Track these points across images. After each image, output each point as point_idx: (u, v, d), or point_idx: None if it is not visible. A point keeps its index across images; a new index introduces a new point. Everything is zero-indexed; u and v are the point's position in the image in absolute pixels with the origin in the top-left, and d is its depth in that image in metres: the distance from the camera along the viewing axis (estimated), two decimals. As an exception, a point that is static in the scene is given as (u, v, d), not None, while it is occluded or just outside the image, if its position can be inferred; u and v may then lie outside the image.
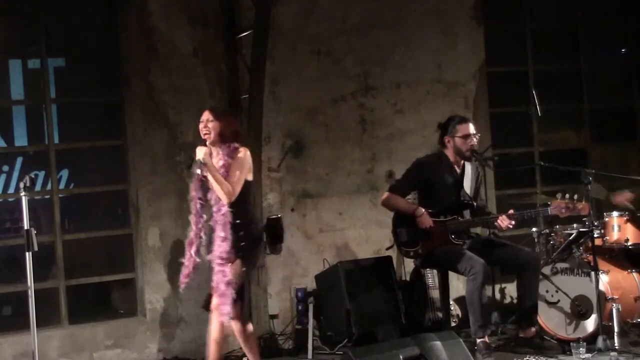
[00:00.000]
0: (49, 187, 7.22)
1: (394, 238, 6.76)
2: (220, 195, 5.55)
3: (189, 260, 5.70)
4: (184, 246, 5.80)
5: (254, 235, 5.76)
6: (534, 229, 7.35)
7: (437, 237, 6.51)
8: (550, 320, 6.81)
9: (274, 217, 7.44)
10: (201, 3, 7.35)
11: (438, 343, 5.96)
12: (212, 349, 5.73)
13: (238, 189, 5.62)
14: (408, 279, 7.49)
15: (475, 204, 6.67)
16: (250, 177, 5.76)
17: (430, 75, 8.03)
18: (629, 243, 6.94)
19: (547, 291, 6.82)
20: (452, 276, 6.95)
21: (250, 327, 5.85)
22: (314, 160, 7.70)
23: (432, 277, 7.24)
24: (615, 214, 7.07)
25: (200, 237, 5.72)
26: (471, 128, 6.62)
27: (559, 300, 6.79)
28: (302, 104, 7.65)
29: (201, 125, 5.72)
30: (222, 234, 5.55)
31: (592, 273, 6.49)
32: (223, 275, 5.53)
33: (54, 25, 7.17)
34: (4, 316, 7.35)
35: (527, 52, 8.60)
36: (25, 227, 5.24)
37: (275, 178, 7.57)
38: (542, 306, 6.76)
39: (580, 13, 8.80)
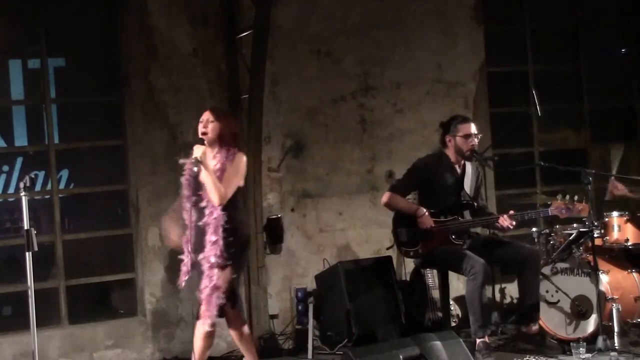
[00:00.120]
0: (49, 187, 7.22)
1: (394, 238, 6.75)
2: (213, 196, 5.52)
3: (187, 257, 5.68)
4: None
5: (242, 241, 5.70)
6: (534, 229, 7.35)
7: (438, 237, 6.51)
8: (550, 320, 6.81)
9: (274, 217, 7.47)
10: (201, 3, 7.35)
11: (438, 343, 5.96)
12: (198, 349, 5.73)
13: (231, 192, 5.59)
14: (408, 279, 7.49)
15: (475, 204, 6.67)
16: (242, 183, 5.73)
17: (430, 75, 8.04)
18: (629, 243, 6.94)
19: (547, 291, 6.81)
20: (452, 276, 6.95)
21: (246, 329, 5.83)
22: (314, 160, 7.70)
23: (432, 277, 7.24)
24: (615, 214, 7.07)
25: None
26: (473, 128, 6.62)
27: (559, 300, 6.79)
28: (302, 104, 7.66)
29: (200, 125, 5.70)
30: (214, 238, 5.51)
31: (592, 273, 6.49)
32: (210, 280, 5.50)
33: (54, 25, 7.17)
34: (4, 316, 7.34)
35: (527, 52, 8.60)
36: (25, 227, 5.23)
37: (275, 178, 7.57)
38: (542, 306, 6.74)
39: (580, 13, 8.81)
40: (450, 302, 7.08)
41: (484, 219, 6.61)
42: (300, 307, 7.26)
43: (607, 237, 7.04)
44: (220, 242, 5.50)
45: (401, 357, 5.82)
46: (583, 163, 8.33)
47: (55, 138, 7.19)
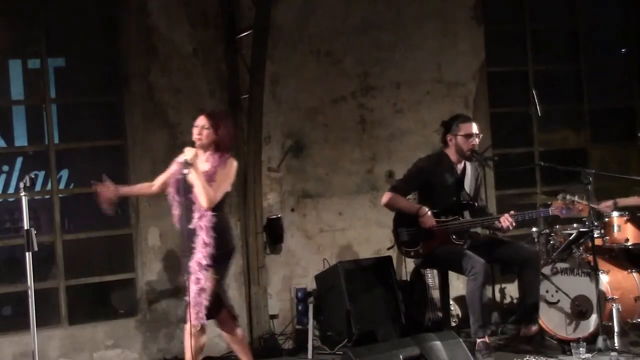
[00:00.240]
0: (49, 187, 7.21)
1: (395, 238, 6.75)
2: (202, 199, 5.52)
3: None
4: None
5: (228, 245, 5.71)
6: (534, 229, 7.35)
7: (438, 237, 6.51)
8: (550, 320, 6.81)
9: (274, 217, 7.47)
10: (201, 3, 7.35)
11: (438, 343, 5.96)
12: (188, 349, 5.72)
13: (219, 196, 5.60)
14: (408, 279, 7.49)
15: (476, 204, 6.68)
16: (229, 189, 5.74)
17: (430, 75, 8.04)
18: (629, 243, 6.94)
19: (547, 291, 6.81)
20: (452, 276, 6.95)
21: (239, 331, 5.84)
22: (314, 160, 7.70)
23: (432, 277, 7.24)
24: (615, 214, 7.07)
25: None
26: (474, 128, 6.61)
27: (559, 300, 6.79)
28: (302, 104, 7.66)
29: (195, 130, 5.69)
30: (206, 240, 5.52)
31: (592, 273, 6.49)
32: (197, 281, 5.50)
33: (54, 25, 7.17)
34: (4, 316, 7.34)
35: (527, 52, 8.60)
36: (25, 227, 5.23)
37: (275, 178, 7.57)
38: (542, 306, 6.75)
39: (580, 13, 8.80)
40: (450, 302, 7.07)
41: (485, 218, 6.61)
42: (300, 307, 7.26)
43: (607, 237, 7.03)
44: (209, 244, 5.51)
45: (401, 357, 5.82)
46: (583, 163, 8.32)
47: (55, 138, 7.19)
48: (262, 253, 7.41)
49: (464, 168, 6.70)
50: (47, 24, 7.11)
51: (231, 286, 7.37)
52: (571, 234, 6.93)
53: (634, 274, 6.90)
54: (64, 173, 7.53)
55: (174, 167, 5.79)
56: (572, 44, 8.85)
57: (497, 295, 7.73)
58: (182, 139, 7.18)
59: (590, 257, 6.55)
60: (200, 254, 5.52)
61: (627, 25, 9.05)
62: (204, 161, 5.66)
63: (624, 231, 7.00)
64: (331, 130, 7.75)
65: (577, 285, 6.73)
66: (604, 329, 6.33)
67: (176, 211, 5.74)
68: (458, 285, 7.43)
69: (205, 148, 5.67)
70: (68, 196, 7.45)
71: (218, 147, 5.68)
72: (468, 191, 6.68)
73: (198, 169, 5.55)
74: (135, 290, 7.29)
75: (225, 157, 5.68)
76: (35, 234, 5.25)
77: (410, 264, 7.38)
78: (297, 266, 7.60)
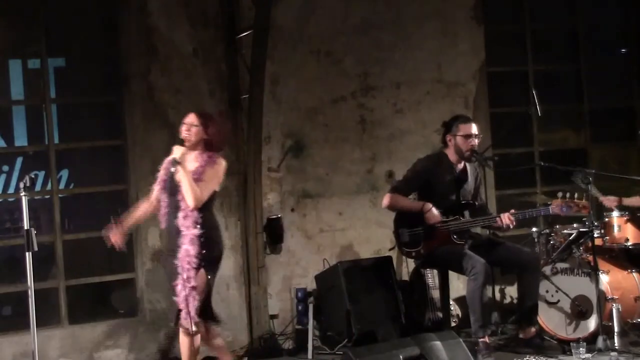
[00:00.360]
0: (49, 187, 7.22)
1: (396, 238, 6.75)
2: (188, 198, 5.51)
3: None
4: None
5: (215, 243, 5.70)
6: (534, 229, 7.36)
7: (439, 237, 6.51)
8: (550, 320, 6.81)
9: (274, 217, 7.47)
10: (201, 3, 7.35)
11: (438, 343, 5.96)
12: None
13: (206, 195, 5.58)
14: (408, 279, 7.49)
15: (477, 203, 6.68)
16: (218, 189, 5.73)
17: (430, 75, 8.04)
18: (629, 243, 6.94)
19: (547, 291, 6.82)
20: (452, 276, 6.95)
21: (217, 330, 5.80)
22: (314, 160, 7.70)
23: (432, 277, 7.24)
24: (615, 214, 7.07)
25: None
26: (473, 128, 6.61)
27: (559, 300, 6.79)
28: (302, 104, 7.66)
29: (183, 128, 5.68)
30: (191, 239, 5.51)
31: (592, 273, 6.49)
32: (188, 281, 5.49)
33: (54, 25, 7.17)
34: (4, 316, 7.34)
35: (527, 52, 8.60)
36: (25, 227, 5.23)
37: (275, 178, 7.57)
38: (542, 306, 6.76)
39: (580, 13, 8.80)
40: (450, 302, 7.07)
41: (486, 218, 6.61)
42: (300, 307, 7.26)
43: (607, 237, 7.04)
44: (197, 243, 5.50)
45: (401, 357, 5.82)
46: (583, 163, 8.32)
47: (55, 138, 7.19)
48: (262, 253, 7.41)
49: (464, 168, 6.70)
50: (47, 24, 7.11)
51: (231, 286, 7.40)
52: (571, 234, 6.93)
53: (634, 274, 6.90)
54: (64, 173, 7.53)
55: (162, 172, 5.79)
56: (572, 44, 8.84)
57: (497, 295, 7.72)
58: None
59: (590, 257, 6.55)
60: (187, 253, 5.50)
61: (627, 25, 9.05)
62: (193, 160, 5.64)
63: (624, 231, 7.01)
64: (331, 130, 7.75)
65: (577, 285, 6.73)
66: (604, 329, 6.34)
67: (163, 210, 5.74)
68: (458, 285, 7.43)
69: (194, 147, 5.66)
70: (68, 196, 7.46)
71: (207, 146, 5.68)
72: (468, 191, 6.69)
73: (186, 168, 5.54)
74: (135, 290, 7.29)
75: (214, 157, 5.67)
76: (35, 234, 5.25)
77: (410, 264, 7.38)
78: (297, 266, 7.60)
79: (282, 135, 7.59)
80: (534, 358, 6.27)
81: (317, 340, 7.12)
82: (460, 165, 6.69)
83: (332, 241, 7.71)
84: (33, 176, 7.30)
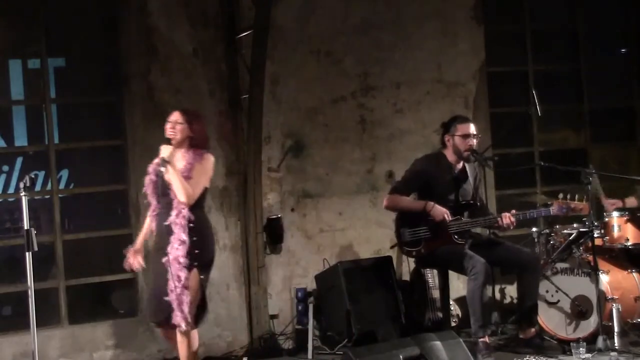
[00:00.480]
0: (49, 187, 7.22)
1: (397, 238, 6.75)
2: (180, 196, 5.51)
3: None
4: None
5: (208, 242, 5.70)
6: (534, 229, 7.36)
7: (440, 237, 6.51)
8: (550, 320, 6.81)
9: (274, 217, 7.47)
10: (201, 3, 7.35)
11: (438, 343, 5.96)
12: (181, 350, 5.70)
13: (198, 192, 5.59)
14: (408, 279, 7.49)
15: (477, 203, 6.69)
16: (208, 185, 5.73)
17: (430, 75, 8.04)
18: (629, 243, 6.94)
19: (547, 291, 6.81)
20: (452, 276, 6.95)
21: (195, 333, 5.70)
22: (314, 160, 7.70)
23: (432, 277, 7.24)
24: (615, 214, 7.07)
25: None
26: (471, 128, 6.62)
27: (559, 300, 6.79)
28: (302, 104, 7.66)
29: (168, 126, 5.68)
30: (182, 237, 5.50)
31: (592, 273, 6.49)
32: (179, 279, 5.48)
33: (54, 25, 7.17)
34: (4, 316, 7.34)
35: (527, 52, 8.60)
36: (25, 227, 5.23)
37: (275, 178, 7.57)
38: (542, 306, 6.76)
39: (580, 13, 8.80)
40: (450, 302, 7.08)
41: (487, 218, 6.61)
42: (300, 307, 7.26)
43: (607, 237, 7.04)
44: (188, 242, 5.50)
45: (401, 357, 5.82)
46: (583, 163, 8.31)
47: (55, 138, 7.19)
48: (262, 253, 7.41)
49: (463, 168, 6.71)
50: (47, 24, 7.11)
51: (231, 286, 7.40)
52: (571, 234, 6.93)
53: (634, 274, 6.90)
54: (64, 173, 7.53)
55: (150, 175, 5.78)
56: (572, 44, 8.84)
57: (497, 295, 7.72)
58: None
59: (590, 257, 6.55)
60: (179, 252, 5.49)
61: (627, 25, 9.05)
62: (180, 159, 5.64)
63: (624, 231, 7.00)
64: (331, 130, 7.75)
65: (577, 285, 6.73)
66: (604, 329, 6.33)
67: (153, 213, 5.74)
68: (458, 285, 7.42)
69: (180, 144, 5.66)
70: (68, 196, 7.45)
71: (192, 143, 5.67)
72: (467, 191, 6.69)
73: (175, 166, 5.55)
74: (135, 291, 7.29)
75: (201, 153, 5.67)
76: (35, 234, 5.25)
77: (410, 264, 7.38)
78: (297, 266, 7.60)
79: (282, 135, 7.59)
80: (534, 358, 6.27)
81: (317, 340, 7.12)
82: (459, 166, 6.70)
83: (332, 241, 7.71)
84: (33, 176, 7.30)
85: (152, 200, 5.75)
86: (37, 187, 7.39)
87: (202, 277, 5.60)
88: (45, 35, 7.10)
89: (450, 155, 6.64)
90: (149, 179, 5.76)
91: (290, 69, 7.59)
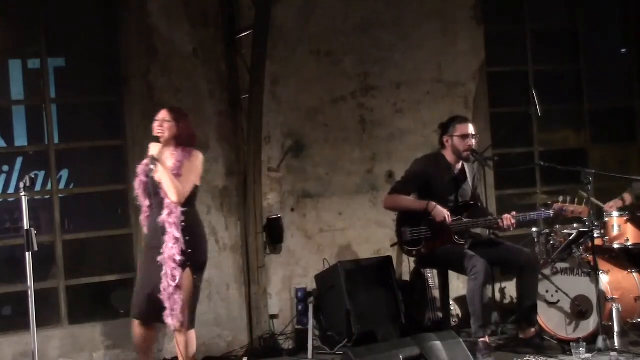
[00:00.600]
0: (49, 187, 7.21)
1: (398, 237, 6.75)
2: (171, 194, 5.50)
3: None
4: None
5: (200, 240, 5.69)
6: (534, 229, 7.36)
7: (441, 237, 6.51)
8: (550, 320, 6.81)
9: (274, 217, 7.47)
10: (201, 3, 7.34)
11: (438, 343, 5.96)
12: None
13: (188, 190, 5.58)
14: (408, 279, 7.49)
15: (479, 204, 6.69)
16: (198, 182, 5.72)
17: (430, 75, 8.04)
18: (629, 243, 6.94)
19: (547, 291, 6.82)
20: (452, 276, 6.95)
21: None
22: (314, 160, 7.70)
23: (432, 277, 7.24)
24: (615, 214, 7.08)
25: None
26: (470, 128, 6.62)
27: (559, 300, 6.79)
28: (302, 104, 7.65)
29: (156, 124, 5.68)
30: (176, 236, 5.49)
31: (592, 273, 6.49)
32: (173, 279, 5.47)
33: (54, 25, 7.16)
34: (4, 316, 7.33)
35: (527, 52, 8.60)
36: (25, 227, 5.23)
37: (275, 178, 7.57)
38: (542, 306, 6.76)
39: (580, 13, 8.80)
40: (450, 302, 7.08)
41: (489, 219, 6.61)
42: (300, 307, 7.26)
43: (607, 237, 7.04)
44: (182, 241, 5.49)
45: (401, 357, 5.82)
46: (583, 163, 8.32)
47: (55, 138, 7.19)
48: (262, 253, 7.41)
49: (462, 168, 6.71)
50: (47, 24, 7.10)
51: (231, 286, 7.40)
52: (571, 234, 6.94)
53: (634, 274, 6.90)
54: (64, 173, 7.52)
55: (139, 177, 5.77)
56: (572, 44, 8.84)
57: (497, 295, 7.72)
58: (182, 139, 7.19)
59: (590, 257, 6.55)
60: (174, 250, 5.48)
61: (627, 25, 9.05)
62: (169, 157, 5.64)
63: (624, 231, 7.01)
64: (331, 130, 7.75)
65: (577, 285, 6.73)
66: (604, 329, 6.34)
67: (145, 214, 5.73)
68: (458, 285, 7.43)
69: (167, 143, 5.66)
70: (68, 196, 7.45)
71: (180, 141, 5.67)
72: (467, 191, 6.69)
73: (165, 164, 5.55)
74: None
75: (189, 151, 5.67)
76: (35, 234, 5.25)
77: (410, 264, 7.38)
78: (297, 266, 7.60)
79: (282, 135, 7.59)
80: (534, 358, 6.27)
81: (317, 340, 7.12)
82: (459, 166, 6.70)
83: (332, 241, 7.71)
84: (33, 176, 7.29)
85: (144, 202, 5.74)
86: (37, 187, 7.39)
87: (195, 277, 5.60)
88: (45, 35, 7.09)
89: (449, 155, 6.65)
90: (139, 181, 5.76)
91: (290, 69, 7.59)
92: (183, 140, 5.69)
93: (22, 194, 5.25)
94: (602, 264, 6.78)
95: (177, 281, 5.47)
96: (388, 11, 7.89)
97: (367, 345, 6.29)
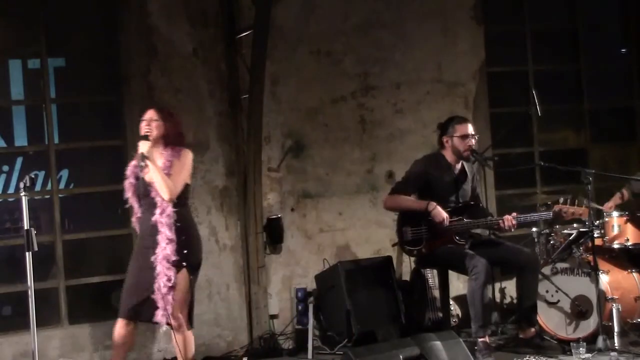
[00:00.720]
0: (49, 187, 7.21)
1: (399, 237, 6.75)
2: (162, 192, 5.49)
3: None
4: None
5: (194, 240, 5.68)
6: (534, 229, 7.36)
7: (442, 237, 6.51)
8: (550, 320, 6.81)
9: (274, 217, 7.47)
10: (201, 3, 7.35)
11: (438, 343, 5.96)
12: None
13: (179, 187, 5.56)
14: (408, 279, 7.49)
15: (480, 204, 6.70)
16: (189, 181, 5.71)
17: (430, 75, 8.04)
18: (629, 243, 6.94)
19: (547, 291, 6.82)
20: (452, 276, 6.95)
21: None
22: (314, 160, 7.70)
23: (432, 277, 7.24)
24: (615, 214, 7.08)
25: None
26: (470, 128, 6.62)
27: (559, 300, 6.79)
28: (302, 104, 7.66)
29: (143, 124, 5.66)
30: (169, 236, 5.48)
31: (592, 273, 6.49)
32: (167, 279, 5.45)
33: (54, 25, 7.16)
34: (4, 316, 7.34)
35: (527, 52, 8.60)
36: (25, 227, 5.23)
37: (275, 178, 7.57)
38: (542, 306, 6.76)
39: (580, 13, 8.80)
40: (450, 302, 7.08)
41: (490, 219, 6.61)
42: (300, 307, 7.26)
43: (607, 237, 7.04)
44: (175, 241, 5.47)
45: (401, 357, 5.82)
46: (583, 163, 8.32)
47: (55, 138, 7.19)
48: (262, 253, 7.41)
49: (462, 168, 6.72)
50: (47, 24, 7.10)
51: (231, 286, 7.40)
52: (571, 234, 6.94)
53: (634, 274, 6.90)
54: (64, 173, 7.53)
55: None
56: (572, 44, 8.84)
57: (497, 295, 7.72)
58: (182, 139, 7.19)
59: (590, 257, 6.55)
60: (168, 250, 5.47)
61: (627, 25, 9.05)
62: (159, 157, 5.62)
63: (624, 231, 7.01)
64: (331, 130, 7.75)
65: (577, 285, 6.73)
66: (604, 329, 6.34)
67: (137, 215, 5.72)
68: (458, 285, 7.43)
69: (156, 142, 5.64)
70: (68, 196, 7.45)
71: (168, 141, 5.65)
72: (467, 191, 6.69)
73: (155, 162, 5.53)
74: (135, 290, 7.28)
75: (179, 150, 5.65)
76: (35, 234, 5.24)
77: (410, 264, 7.38)
78: (297, 266, 7.60)
79: (282, 135, 7.59)
80: (534, 358, 6.27)
81: (317, 340, 7.12)
82: (458, 166, 6.71)
83: (332, 241, 7.71)
84: (33, 176, 7.30)
85: (135, 204, 5.73)
86: (37, 187, 7.39)
87: (191, 277, 5.59)
88: (45, 35, 7.09)
89: (449, 155, 6.65)
90: (128, 183, 5.73)
91: (290, 69, 7.59)
92: (171, 139, 5.66)
93: (22, 194, 5.24)
94: (602, 264, 6.78)
95: (171, 281, 5.45)
96: (388, 11, 7.89)
97: (367, 345, 6.29)
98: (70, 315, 7.08)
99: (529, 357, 6.29)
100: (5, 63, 7.35)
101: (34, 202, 7.27)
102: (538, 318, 6.72)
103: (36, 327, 5.28)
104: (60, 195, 7.20)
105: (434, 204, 6.46)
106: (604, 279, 6.71)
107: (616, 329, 6.39)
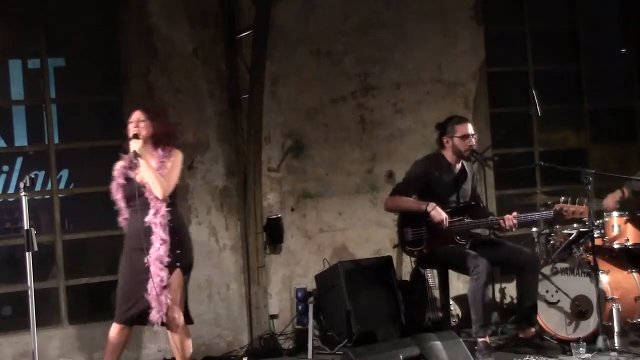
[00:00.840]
0: (49, 187, 7.22)
1: (399, 237, 6.75)
2: (156, 190, 5.47)
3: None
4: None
5: (186, 240, 5.67)
6: (534, 229, 7.37)
7: (443, 237, 6.51)
8: (550, 320, 6.81)
9: (274, 217, 7.47)
10: (201, 3, 7.35)
11: (438, 343, 5.96)
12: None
13: (172, 186, 5.56)
14: (408, 279, 7.49)
15: (480, 204, 6.69)
16: (178, 180, 5.68)
17: (430, 75, 8.04)
18: (629, 243, 6.94)
19: (547, 291, 6.82)
20: (452, 276, 6.95)
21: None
22: (314, 160, 7.70)
23: (432, 277, 7.24)
24: (615, 214, 7.07)
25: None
26: (470, 128, 6.62)
27: (559, 300, 6.79)
28: (302, 104, 7.66)
29: (131, 125, 5.64)
30: (163, 237, 5.46)
31: (592, 273, 6.49)
32: (161, 280, 5.44)
33: (54, 25, 7.17)
34: (4, 316, 7.34)
35: (527, 52, 8.60)
36: (25, 227, 5.23)
37: (275, 178, 7.57)
38: (542, 306, 6.76)
39: (580, 13, 8.80)
40: (450, 302, 7.08)
41: (490, 219, 6.61)
42: (300, 307, 7.26)
43: (607, 237, 7.04)
44: (168, 241, 5.47)
45: (401, 357, 5.82)
46: (583, 163, 8.32)
47: (55, 138, 7.19)
48: (262, 253, 7.41)
49: (462, 168, 6.71)
50: (47, 24, 7.10)
51: (231, 286, 7.40)
52: (571, 234, 6.94)
53: (634, 274, 6.90)
54: (64, 173, 7.53)
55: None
56: (572, 44, 8.84)
57: (497, 295, 7.72)
58: (182, 139, 7.18)
59: (590, 257, 6.55)
60: (161, 251, 5.45)
61: (627, 25, 9.05)
62: (149, 158, 5.60)
63: (624, 231, 7.00)
64: (331, 130, 7.75)
65: (577, 285, 6.73)
66: (604, 329, 6.34)
67: (125, 216, 5.71)
68: (458, 285, 7.43)
69: (145, 142, 5.62)
70: (68, 196, 7.45)
71: (159, 140, 5.64)
72: (467, 191, 6.69)
73: (147, 160, 5.52)
74: (135, 290, 7.28)
75: (169, 149, 5.65)
76: (35, 234, 5.24)
77: (410, 264, 7.38)
78: (297, 266, 7.60)
79: (282, 135, 7.59)
80: (534, 358, 6.27)
81: (317, 340, 7.12)
82: (459, 166, 6.71)
83: (332, 241, 7.71)
84: (33, 176, 7.30)
85: (122, 205, 5.71)
86: (37, 187, 7.39)
87: (185, 277, 5.59)
88: (45, 35, 7.10)
89: (449, 155, 6.65)
90: (116, 184, 5.72)
91: (290, 69, 7.59)
92: (161, 139, 5.65)
93: (22, 194, 5.24)
94: (602, 264, 6.78)
95: (165, 282, 5.44)
96: (388, 11, 7.89)
97: (367, 345, 6.30)
98: (70, 315, 7.08)
99: (529, 357, 6.29)
100: (5, 63, 7.36)
101: (34, 202, 7.27)
102: (538, 318, 6.72)
103: (36, 327, 5.28)
104: (60, 195, 7.20)
105: (433, 204, 6.46)
106: (604, 279, 6.71)
107: (616, 329, 6.39)
